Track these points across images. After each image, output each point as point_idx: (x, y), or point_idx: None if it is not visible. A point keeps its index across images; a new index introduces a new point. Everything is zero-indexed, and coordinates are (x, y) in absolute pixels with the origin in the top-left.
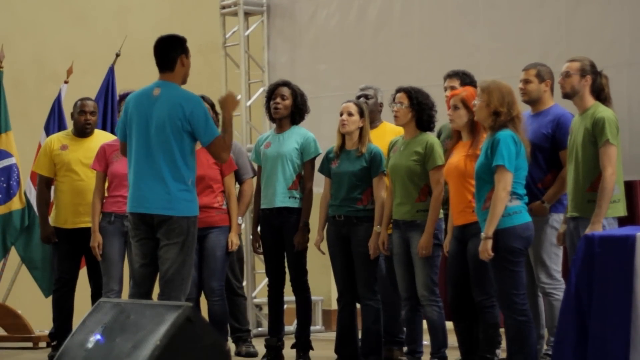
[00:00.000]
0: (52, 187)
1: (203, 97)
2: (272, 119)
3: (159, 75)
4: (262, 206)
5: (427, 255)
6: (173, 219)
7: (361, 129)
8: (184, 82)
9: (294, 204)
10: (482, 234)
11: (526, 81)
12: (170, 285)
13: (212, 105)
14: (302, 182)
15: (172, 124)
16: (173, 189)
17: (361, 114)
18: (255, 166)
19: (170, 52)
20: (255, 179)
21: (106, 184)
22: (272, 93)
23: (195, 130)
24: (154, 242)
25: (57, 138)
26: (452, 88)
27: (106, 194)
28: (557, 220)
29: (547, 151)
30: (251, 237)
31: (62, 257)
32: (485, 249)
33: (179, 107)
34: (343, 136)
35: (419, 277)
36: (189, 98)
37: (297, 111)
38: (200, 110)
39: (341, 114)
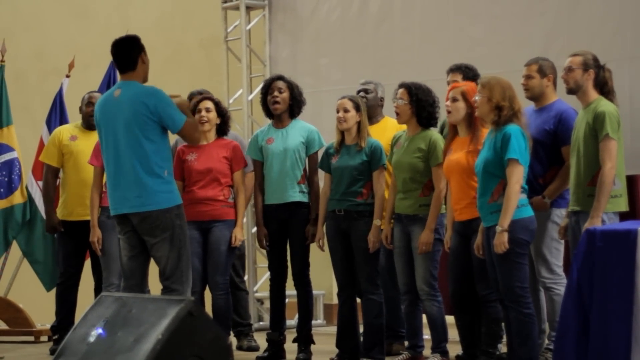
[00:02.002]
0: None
1: (200, 92)
2: (269, 115)
3: (120, 76)
4: (270, 202)
5: (428, 251)
6: (153, 215)
7: (359, 124)
8: (146, 79)
9: (302, 197)
10: (498, 227)
11: (528, 77)
12: (171, 280)
13: (218, 103)
14: (309, 176)
15: (137, 121)
16: (149, 184)
17: (357, 108)
18: (250, 160)
19: (131, 52)
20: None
21: (104, 179)
22: (267, 88)
23: (164, 120)
24: (142, 240)
25: (67, 129)
26: (455, 82)
27: (104, 189)
28: (558, 215)
29: (549, 147)
30: (252, 232)
31: (67, 251)
32: (502, 241)
33: (142, 104)
34: (342, 132)
35: (419, 271)
36: (149, 92)
37: (295, 103)
38: (163, 102)
39: (337, 111)
